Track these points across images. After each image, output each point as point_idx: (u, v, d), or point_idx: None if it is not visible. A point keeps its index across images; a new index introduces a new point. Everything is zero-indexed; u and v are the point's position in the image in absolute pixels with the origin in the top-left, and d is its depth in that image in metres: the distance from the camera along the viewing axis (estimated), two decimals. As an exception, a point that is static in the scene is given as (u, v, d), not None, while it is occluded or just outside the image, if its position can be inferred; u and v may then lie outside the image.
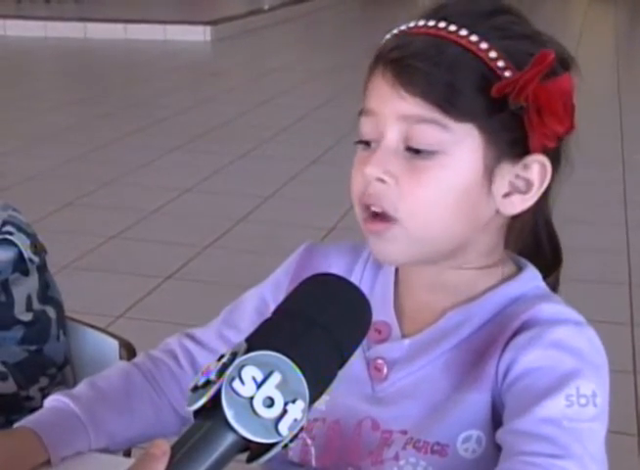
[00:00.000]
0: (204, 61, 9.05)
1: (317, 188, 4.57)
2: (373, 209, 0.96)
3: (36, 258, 1.43)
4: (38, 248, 1.45)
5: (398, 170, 0.94)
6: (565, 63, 0.99)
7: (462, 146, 0.94)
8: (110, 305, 3.30)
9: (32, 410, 1.39)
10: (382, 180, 0.95)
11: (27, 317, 1.40)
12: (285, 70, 8.31)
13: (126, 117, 6.36)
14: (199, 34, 9.77)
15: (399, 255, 0.99)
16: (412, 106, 0.93)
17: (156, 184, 4.81)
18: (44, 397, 1.38)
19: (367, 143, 0.98)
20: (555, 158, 0.99)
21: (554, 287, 1.06)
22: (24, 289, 1.41)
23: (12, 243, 1.40)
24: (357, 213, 1.00)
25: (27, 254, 1.41)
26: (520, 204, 0.98)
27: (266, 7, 11.69)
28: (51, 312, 1.44)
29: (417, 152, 0.94)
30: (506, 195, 0.97)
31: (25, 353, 1.40)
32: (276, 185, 4.76)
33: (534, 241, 1.05)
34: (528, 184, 0.97)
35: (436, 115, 0.93)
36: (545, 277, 1.04)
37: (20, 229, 1.43)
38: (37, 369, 1.41)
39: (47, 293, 1.45)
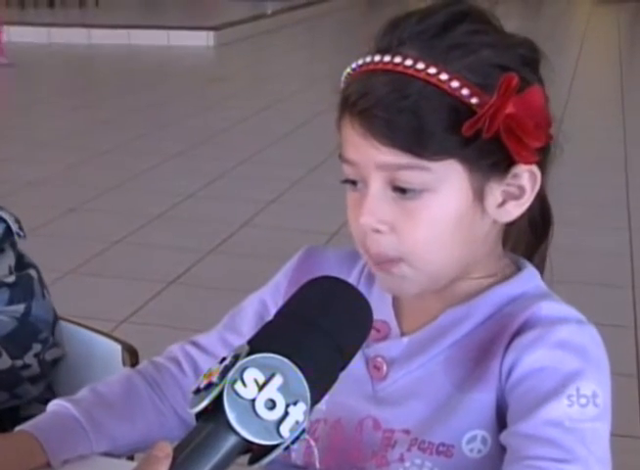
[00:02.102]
0: (207, 66, 9.07)
1: (319, 193, 4.57)
2: (375, 258, 0.97)
3: (22, 233, 1.49)
4: (20, 223, 1.51)
5: (391, 216, 0.94)
6: (532, 61, 0.97)
7: (447, 181, 0.93)
8: (113, 310, 3.30)
9: (31, 380, 1.42)
10: (378, 230, 0.95)
11: (11, 279, 1.46)
12: (288, 75, 8.33)
13: (129, 122, 6.38)
14: (202, 40, 9.79)
15: (410, 289, 0.99)
16: (387, 156, 0.93)
17: (159, 189, 4.82)
18: (40, 363, 1.42)
19: (354, 182, 0.98)
20: (545, 153, 0.98)
21: (540, 264, 1.06)
22: (6, 261, 1.47)
23: (0, 218, 1.47)
24: (363, 256, 1.00)
25: (15, 228, 1.47)
26: (515, 210, 0.98)
27: (269, 12, 11.71)
28: (32, 273, 1.49)
29: (404, 191, 0.94)
30: (500, 204, 0.97)
31: (15, 322, 1.44)
32: (279, 190, 4.77)
33: (528, 215, 1.04)
34: (521, 190, 0.97)
35: (414, 160, 0.92)
36: (533, 252, 1.05)
37: (1, 207, 1.49)
38: (28, 336, 1.44)
39: (24, 260, 1.51)
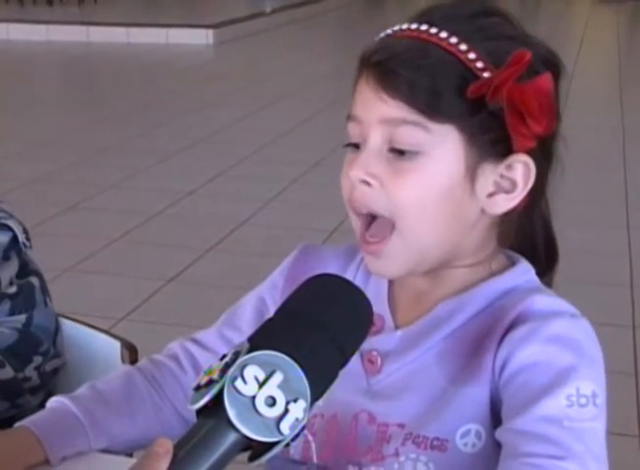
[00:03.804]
0: (206, 64, 9.07)
1: (318, 191, 4.58)
2: (360, 211, 0.98)
3: (28, 243, 1.49)
4: (27, 233, 1.51)
5: (381, 172, 0.96)
6: (549, 63, 0.99)
7: (442, 147, 0.95)
8: (112, 308, 3.31)
9: (32, 390, 1.42)
10: (366, 182, 0.96)
11: (12, 289, 1.45)
12: (287, 73, 8.33)
13: (128, 120, 6.38)
14: (201, 38, 9.79)
15: (395, 269, 1.00)
16: (393, 109, 0.95)
17: (158, 187, 4.82)
18: (41, 375, 1.42)
19: (356, 146, 0.99)
20: (545, 157, 1.00)
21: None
22: (8, 271, 1.46)
23: (8, 227, 1.46)
24: (352, 223, 1.01)
25: (22, 238, 1.47)
26: (504, 203, 0.98)
27: (268, 10, 11.71)
28: (34, 281, 1.49)
29: (400, 153, 0.95)
30: (490, 195, 0.98)
31: (16, 335, 1.44)
32: (277, 188, 4.77)
33: (530, 242, 1.06)
34: (513, 184, 0.98)
35: (417, 117, 0.94)
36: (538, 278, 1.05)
37: (11, 216, 1.48)
38: (29, 349, 1.44)
39: (28, 267, 1.50)
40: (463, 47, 0.95)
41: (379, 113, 0.96)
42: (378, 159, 0.96)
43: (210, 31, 9.87)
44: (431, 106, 0.94)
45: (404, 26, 0.99)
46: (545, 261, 1.07)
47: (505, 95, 0.92)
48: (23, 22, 10.34)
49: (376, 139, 0.97)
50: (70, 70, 8.76)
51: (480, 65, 0.94)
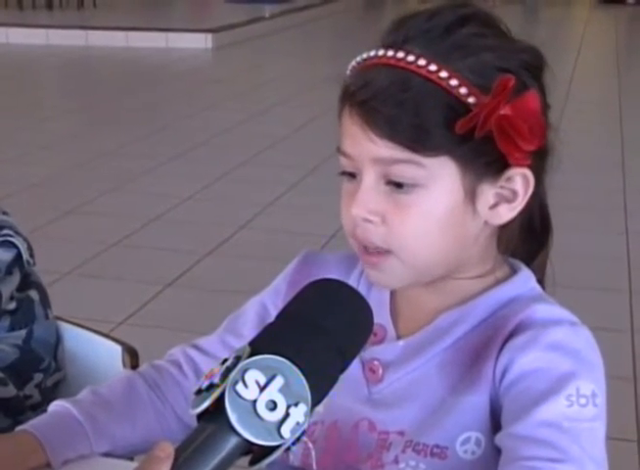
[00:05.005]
0: (205, 68, 9.07)
1: (317, 196, 4.58)
2: (365, 245, 0.98)
3: (32, 260, 1.48)
4: (32, 250, 1.51)
5: (382, 208, 0.95)
6: (535, 71, 0.98)
7: (439, 178, 0.94)
8: (111, 312, 3.31)
9: (33, 407, 1.42)
10: (368, 220, 0.96)
11: (12, 305, 1.45)
12: (285, 78, 8.34)
13: (127, 124, 6.38)
14: (200, 42, 9.80)
15: (396, 282, 1.01)
16: (383, 148, 0.94)
17: (157, 192, 4.82)
18: (42, 392, 1.41)
19: (351, 174, 0.99)
20: (541, 157, 0.99)
21: (541, 274, 1.07)
22: (10, 286, 1.46)
23: (13, 245, 1.45)
24: (352, 246, 1.01)
25: (26, 256, 1.46)
26: (506, 213, 0.98)
27: (267, 15, 11.72)
28: (34, 294, 1.49)
29: (398, 185, 0.95)
30: (492, 206, 0.98)
31: (16, 352, 1.44)
32: (276, 193, 4.78)
33: (528, 220, 1.05)
34: (514, 193, 0.98)
35: (408, 154, 0.93)
36: (533, 258, 1.06)
37: (17, 232, 1.48)
38: (29, 367, 1.44)
39: (29, 278, 1.50)
40: (443, 74, 0.92)
41: (369, 152, 0.94)
42: (376, 194, 0.96)
43: (209, 36, 9.88)
44: (419, 142, 0.92)
45: (381, 53, 0.96)
46: (540, 235, 1.07)
47: (494, 125, 0.91)
48: (23, 26, 10.35)
49: (370, 177, 0.96)
50: (70, 74, 8.76)
51: (463, 91, 0.92)
